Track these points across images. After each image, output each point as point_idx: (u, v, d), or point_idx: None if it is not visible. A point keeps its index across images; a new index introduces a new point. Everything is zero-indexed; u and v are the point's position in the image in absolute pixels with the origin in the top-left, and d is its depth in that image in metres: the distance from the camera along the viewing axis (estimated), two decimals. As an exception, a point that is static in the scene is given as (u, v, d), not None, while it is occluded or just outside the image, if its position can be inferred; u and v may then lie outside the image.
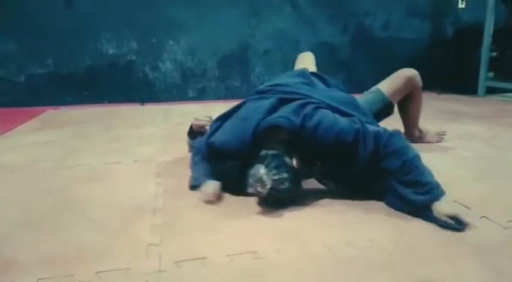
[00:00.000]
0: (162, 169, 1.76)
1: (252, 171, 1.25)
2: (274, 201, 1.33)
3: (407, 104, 1.95)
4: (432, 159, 1.85)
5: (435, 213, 1.19)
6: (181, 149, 1.96)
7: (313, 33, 3.93)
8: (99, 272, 0.98)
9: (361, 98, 1.80)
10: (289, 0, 3.82)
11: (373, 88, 1.86)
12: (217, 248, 1.08)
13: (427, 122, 2.25)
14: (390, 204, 1.32)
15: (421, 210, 1.22)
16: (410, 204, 1.24)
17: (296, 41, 3.88)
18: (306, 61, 2.22)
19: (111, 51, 3.55)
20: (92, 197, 1.46)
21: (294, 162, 1.35)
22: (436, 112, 3.04)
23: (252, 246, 1.09)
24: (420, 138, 2.10)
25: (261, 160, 1.29)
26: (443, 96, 3.89)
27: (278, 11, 3.82)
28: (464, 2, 4.16)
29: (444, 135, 2.16)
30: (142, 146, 2.15)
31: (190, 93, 3.79)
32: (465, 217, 1.19)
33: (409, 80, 1.84)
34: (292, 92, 1.54)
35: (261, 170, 1.24)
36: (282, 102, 1.47)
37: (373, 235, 1.15)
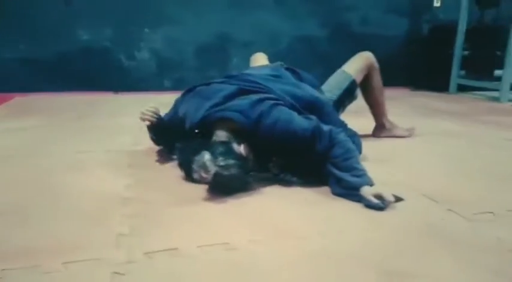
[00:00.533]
0: (135, 159, 1.73)
1: (197, 157, 1.27)
2: (221, 188, 1.34)
3: (369, 87, 2.05)
4: (403, 153, 1.91)
5: (362, 193, 1.30)
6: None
7: (293, 26, 3.93)
8: (66, 262, 0.96)
9: (328, 82, 1.94)
10: (270, -8, 3.81)
11: (337, 70, 1.99)
12: (189, 239, 1.08)
13: (400, 117, 2.30)
14: (335, 192, 1.39)
15: (354, 191, 1.33)
16: (347, 185, 1.34)
17: (276, 34, 3.87)
18: (259, 61, 2.22)
19: (85, 38, 3.45)
20: (62, 187, 1.42)
21: (242, 149, 1.37)
22: (410, 107, 3.11)
23: (224, 237, 1.09)
24: (390, 131, 2.16)
25: (208, 147, 1.31)
26: (417, 92, 3.98)
27: (260, 3, 3.79)
28: (439, 1, 4.24)
29: (414, 131, 2.22)
30: (116, 136, 2.11)
31: (167, 83, 3.73)
32: (432, 210, 1.23)
33: (366, 59, 1.99)
34: (255, 82, 1.59)
35: (205, 155, 1.26)
36: (242, 92, 1.52)
37: (345, 226, 1.17)
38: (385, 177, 1.58)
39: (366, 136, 2.06)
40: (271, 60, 2.25)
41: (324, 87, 1.90)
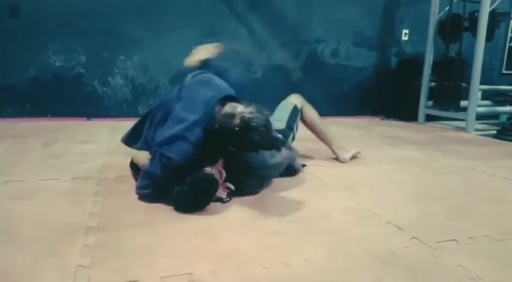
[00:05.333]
0: (102, 187, 1.69)
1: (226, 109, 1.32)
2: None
3: (308, 122, 2.18)
4: (370, 181, 1.95)
5: None
6: (125, 167, 1.90)
7: (267, 56, 4.02)
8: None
9: (274, 114, 2.09)
10: (245, 24, 3.90)
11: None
12: (151, 270, 1.05)
13: (369, 146, 2.35)
14: None
15: None
16: None
17: (250, 63, 3.95)
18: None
19: (58, 64, 3.42)
20: (22, 215, 1.37)
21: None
22: (379, 137, 3.19)
23: (188, 267, 1.07)
24: (338, 156, 2.28)
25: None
26: (386, 122, 4.10)
27: (233, 33, 3.88)
28: (407, 35, 4.45)
29: (359, 153, 2.33)
30: (84, 163, 2.06)
31: (141, 110, 3.70)
32: (397, 238, 1.25)
33: (296, 97, 2.18)
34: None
35: (238, 108, 1.31)
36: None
37: (309, 255, 1.17)
38: (351, 204, 1.61)
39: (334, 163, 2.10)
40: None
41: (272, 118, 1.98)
